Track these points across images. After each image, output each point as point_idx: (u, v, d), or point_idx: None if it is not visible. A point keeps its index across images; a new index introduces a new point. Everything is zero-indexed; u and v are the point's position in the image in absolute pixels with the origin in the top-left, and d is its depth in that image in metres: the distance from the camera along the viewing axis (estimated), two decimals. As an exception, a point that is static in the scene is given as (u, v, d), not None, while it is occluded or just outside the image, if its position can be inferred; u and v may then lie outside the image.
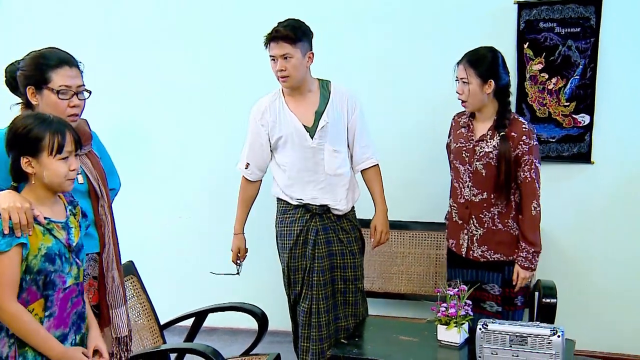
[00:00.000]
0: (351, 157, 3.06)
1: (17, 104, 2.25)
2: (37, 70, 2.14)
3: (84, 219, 2.17)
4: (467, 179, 2.85)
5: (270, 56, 2.87)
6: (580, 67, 3.37)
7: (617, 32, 3.33)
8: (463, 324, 2.52)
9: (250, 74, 3.83)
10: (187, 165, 4.10)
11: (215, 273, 3.17)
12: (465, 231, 2.89)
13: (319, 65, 2.97)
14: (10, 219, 1.84)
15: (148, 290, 2.95)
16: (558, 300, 2.89)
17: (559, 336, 2.28)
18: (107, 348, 2.17)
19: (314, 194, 2.96)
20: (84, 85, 2.23)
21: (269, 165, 3.09)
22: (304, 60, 2.85)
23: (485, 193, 2.80)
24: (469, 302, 2.56)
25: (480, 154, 2.79)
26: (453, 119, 3.01)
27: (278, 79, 2.90)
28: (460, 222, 2.91)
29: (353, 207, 3.10)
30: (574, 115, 3.42)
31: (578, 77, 3.38)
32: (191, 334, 3.03)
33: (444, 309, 2.54)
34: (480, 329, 2.37)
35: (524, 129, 2.74)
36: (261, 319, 3.00)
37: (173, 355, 2.88)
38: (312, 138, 2.93)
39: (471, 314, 2.55)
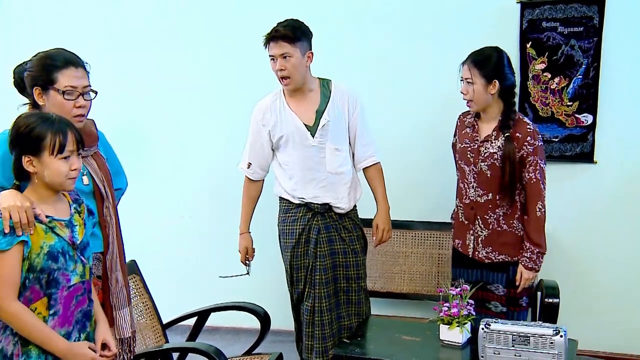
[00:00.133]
0: (353, 155, 3.07)
1: (25, 104, 2.26)
2: (44, 71, 2.15)
3: (91, 217, 2.18)
4: (472, 180, 2.84)
5: (270, 56, 2.87)
6: (583, 66, 3.36)
7: (620, 32, 3.33)
8: (465, 323, 2.52)
9: (250, 74, 3.83)
10: (187, 165, 4.10)
11: (224, 276, 3.16)
12: (471, 232, 2.88)
13: (319, 65, 2.98)
14: (10, 218, 1.85)
15: (150, 289, 2.95)
16: (561, 300, 2.88)
17: (561, 336, 2.28)
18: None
19: (315, 193, 2.97)
20: (90, 85, 2.23)
21: (271, 165, 3.09)
22: (303, 59, 2.86)
23: (490, 194, 2.80)
24: (471, 301, 2.55)
25: (485, 155, 2.78)
26: (458, 119, 3.00)
27: (279, 80, 2.91)
28: (466, 222, 2.91)
29: (355, 206, 3.10)
30: (576, 115, 3.42)
31: (581, 76, 3.37)
32: (193, 334, 3.03)
33: (446, 308, 2.54)
34: (482, 328, 2.37)
35: (528, 130, 2.73)
36: (263, 318, 3.01)
37: (175, 355, 2.88)
38: (313, 137, 2.93)
39: (473, 313, 2.55)
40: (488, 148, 2.78)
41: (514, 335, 2.33)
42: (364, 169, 3.10)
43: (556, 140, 3.46)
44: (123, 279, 2.36)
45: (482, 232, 2.85)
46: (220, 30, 3.93)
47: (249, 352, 3.02)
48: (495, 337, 2.35)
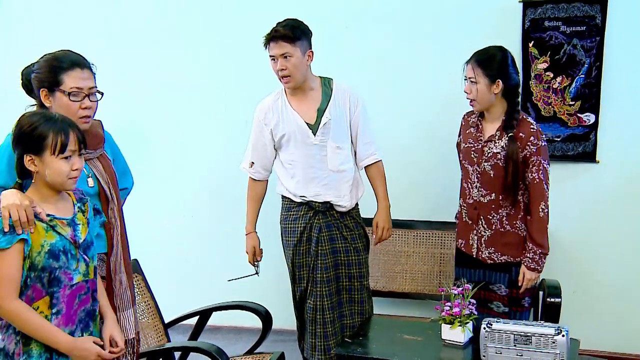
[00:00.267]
0: (355, 153, 3.07)
1: (32, 105, 2.27)
2: (50, 73, 2.16)
3: (98, 216, 2.18)
4: (476, 180, 2.84)
5: (270, 56, 2.88)
6: (586, 66, 3.36)
7: (623, 31, 3.32)
8: (467, 323, 2.51)
9: (250, 74, 3.83)
10: (187, 165, 4.11)
11: (233, 279, 3.16)
12: (475, 232, 2.88)
13: (319, 65, 2.98)
14: (10, 216, 1.85)
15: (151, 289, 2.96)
16: (563, 300, 2.88)
17: (563, 335, 2.28)
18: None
19: (317, 191, 2.97)
20: (96, 87, 2.24)
21: (274, 164, 3.09)
22: (303, 58, 2.87)
23: (494, 194, 2.79)
24: (473, 301, 2.55)
25: (489, 155, 2.78)
26: (463, 119, 2.99)
27: (280, 79, 2.91)
28: (469, 222, 2.90)
29: (357, 205, 3.10)
30: (579, 114, 3.41)
31: (583, 76, 3.37)
32: (195, 333, 3.03)
33: (448, 308, 2.54)
34: (484, 328, 2.37)
35: (532, 130, 2.72)
36: (265, 317, 3.01)
37: (177, 354, 2.88)
38: (314, 135, 2.94)
39: (475, 313, 2.55)
40: (492, 148, 2.78)
41: (516, 334, 2.32)
42: (365, 167, 3.11)
43: (558, 139, 3.46)
44: (127, 281, 2.37)
45: (485, 232, 2.84)
46: (220, 30, 3.93)
47: (250, 352, 3.03)
48: (497, 336, 2.35)
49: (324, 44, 3.07)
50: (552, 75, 3.41)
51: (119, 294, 2.33)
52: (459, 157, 3.00)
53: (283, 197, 3.10)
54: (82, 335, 2.04)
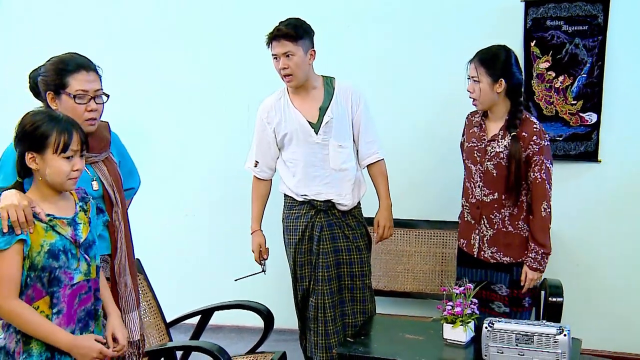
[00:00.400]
0: (357, 152, 3.07)
1: (39, 108, 2.27)
2: (56, 76, 2.17)
3: (101, 215, 2.18)
4: (479, 179, 2.83)
5: (273, 55, 2.88)
6: (588, 65, 3.35)
7: (625, 30, 3.32)
8: (469, 322, 2.51)
9: (250, 74, 3.84)
10: (187, 165, 4.11)
11: (240, 278, 3.16)
12: (477, 231, 2.87)
13: (319, 65, 2.99)
14: (9, 217, 1.85)
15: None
16: (564, 299, 2.88)
17: (565, 335, 2.27)
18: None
19: (319, 189, 2.97)
20: (101, 89, 2.24)
21: (277, 163, 3.10)
22: (306, 57, 2.87)
23: (496, 193, 2.79)
24: (474, 300, 2.55)
25: (492, 154, 2.77)
26: (467, 118, 2.99)
27: (282, 78, 2.91)
28: (472, 222, 2.90)
29: (359, 204, 3.10)
30: (581, 114, 3.41)
31: (585, 75, 3.36)
32: (197, 332, 3.04)
33: (450, 307, 2.53)
34: (486, 327, 2.37)
35: (535, 129, 2.71)
36: (267, 317, 3.01)
37: (179, 353, 2.88)
38: (316, 134, 2.94)
39: (477, 312, 2.54)
40: (494, 147, 2.77)
41: (518, 334, 2.32)
42: (367, 166, 3.11)
43: (560, 139, 3.46)
44: (132, 283, 2.37)
45: (487, 231, 2.84)
46: (220, 30, 3.93)
47: (252, 351, 3.03)
48: (498, 336, 2.35)
49: (324, 44, 3.07)
50: (554, 74, 3.41)
51: (124, 297, 2.33)
52: (462, 156, 3.00)
53: (285, 195, 3.10)
54: (82, 334, 2.03)
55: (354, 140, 3.05)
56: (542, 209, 2.72)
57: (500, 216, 2.80)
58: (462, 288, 2.55)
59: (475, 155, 2.84)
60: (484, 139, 2.82)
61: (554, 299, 2.87)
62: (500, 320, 2.39)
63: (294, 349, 3.33)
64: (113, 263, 2.31)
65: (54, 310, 1.94)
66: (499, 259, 2.83)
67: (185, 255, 4.16)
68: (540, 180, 2.71)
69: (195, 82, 4.01)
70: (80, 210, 2.06)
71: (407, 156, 3.69)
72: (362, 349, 2.55)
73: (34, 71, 2.29)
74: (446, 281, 3.35)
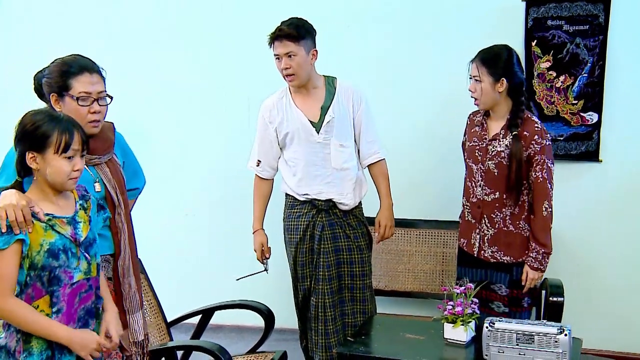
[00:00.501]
0: (358, 152, 3.07)
1: None
2: (59, 78, 2.18)
3: (102, 212, 2.18)
4: (480, 178, 2.83)
5: (275, 55, 2.88)
6: (589, 65, 3.35)
7: (626, 30, 3.32)
8: (470, 322, 2.51)
9: (250, 74, 3.84)
10: (187, 165, 4.11)
11: (242, 277, 3.15)
12: (477, 230, 2.87)
13: (319, 65, 2.98)
14: (7, 217, 1.85)
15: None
16: (565, 299, 2.88)
17: (566, 335, 2.27)
18: (126, 344, 2.20)
19: (320, 188, 2.98)
20: (105, 91, 2.25)
21: (279, 162, 3.10)
22: (308, 57, 2.87)
23: (498, 193, 2.79)
24: (475, 300, 2.55)
25: (493, 153, 2.77)
26: (468, 118, 2.99)
27: (284, 78, 2.92)
28: (472, 221, 2.90)
29: (360, 203, 3.10)
30: (582, 114, 3.41)
31: (586, 75, 3.36)
32: (198, 332, 3.04)
33: (450, 307, 2.53)
34: (487, 327, 2.37)
35: (536, 129, 2.71)
36: (267, 316, 3.01)
37: (180, 353, 2.88)
38: (318, 133, 2.94)
39: (478, 312, 2.54)
40: (496, 146, 2.77)
41: (518, 333, 2.32)
42: (368, 166, 3.10)
43: (561, 138, 3.45)
44: (136, 284, 2.37)
45: (488, 231, 2.84)
46: (220, 30, 3.93)
47: (253, 351, 3.03)
48: (499, 335, 2.35)
49: (324, 44, 3.07)
50: (555, 74, 3.41)
51: (127, 297, 2.34)
52: (464, 156, 3.00)
53: (286, 195, 3.10)
54: None
55: (355, 140, 3.06)
56: (544, 209, 2.72)
57: (502, 215, 2.80)
58: (463, 288, 2.55)
59: (477, 154, 2.84)
60: (486, 138, 2.82)
61: (555, 299, 2.87)
62: (501, 319, 2.40)
63: (294, 348, 3.33)
64: (116, 264, 2.32)
65: (54, 309, 1.95)
66: (499, 258, 2.83)
67: (185, 255, 4.16)
68: (541, 179, 2.71)
69: (195, 82, 4.00)
70: (80, 209, 2.07)
71: (407, 156, 3.68)
72: (363, 348, 2.55)
73: (38, 72, 2.29)
74: (447, 281, 3.35)
